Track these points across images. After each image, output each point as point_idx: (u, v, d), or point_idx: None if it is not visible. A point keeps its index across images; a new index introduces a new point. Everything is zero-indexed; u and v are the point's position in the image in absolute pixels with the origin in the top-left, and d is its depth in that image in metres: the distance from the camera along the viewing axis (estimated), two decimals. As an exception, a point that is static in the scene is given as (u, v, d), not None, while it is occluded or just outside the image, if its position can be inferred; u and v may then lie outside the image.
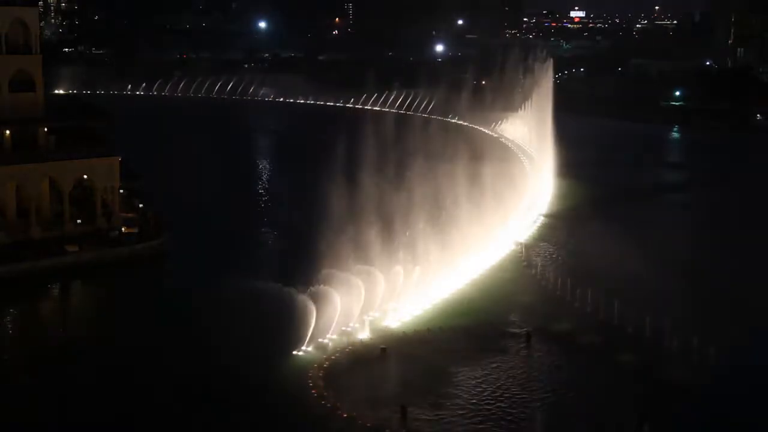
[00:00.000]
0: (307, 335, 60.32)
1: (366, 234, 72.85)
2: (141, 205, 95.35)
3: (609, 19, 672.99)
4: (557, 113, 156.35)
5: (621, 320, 65.45)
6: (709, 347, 59.28)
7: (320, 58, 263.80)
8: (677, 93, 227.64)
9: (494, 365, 58.44)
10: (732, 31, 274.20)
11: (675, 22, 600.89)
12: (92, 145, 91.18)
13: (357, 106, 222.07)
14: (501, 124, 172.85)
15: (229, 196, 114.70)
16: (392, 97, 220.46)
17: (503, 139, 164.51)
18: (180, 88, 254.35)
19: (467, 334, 64.03)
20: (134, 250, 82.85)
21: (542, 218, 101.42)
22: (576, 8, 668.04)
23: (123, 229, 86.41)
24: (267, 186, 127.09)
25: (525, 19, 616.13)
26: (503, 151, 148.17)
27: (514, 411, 51.87)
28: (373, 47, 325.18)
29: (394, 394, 53.32)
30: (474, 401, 52.97)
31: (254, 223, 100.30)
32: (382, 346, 60.57)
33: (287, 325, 61.75)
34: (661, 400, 53.53)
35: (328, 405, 52.04)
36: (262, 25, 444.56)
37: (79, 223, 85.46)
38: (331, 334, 61.76)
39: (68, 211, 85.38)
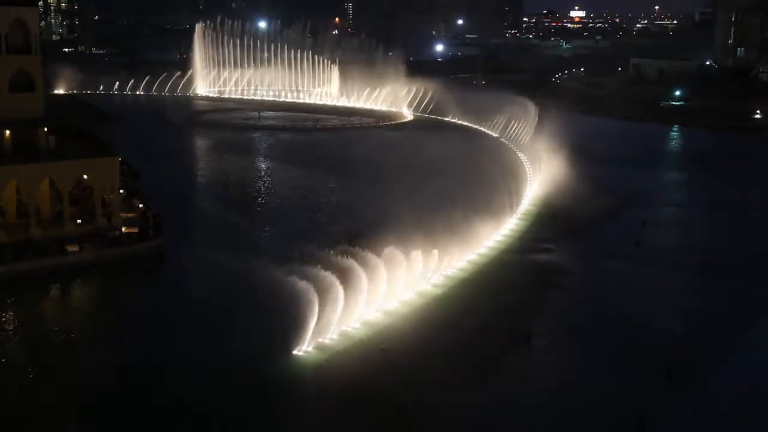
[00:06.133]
0: (307, 334, 60.32)
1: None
2: (141, 205, 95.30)
3: (609, 19, 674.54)
4: (557, 113, 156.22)
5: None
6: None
7: (320, 57, 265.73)
8: (677, 93, 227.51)
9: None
10: (732, 31, 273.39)
11: (675, 22, 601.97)
12: (92, 145, 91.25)
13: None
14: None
15: (227, 192, 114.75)
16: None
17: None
18: (180, 87, 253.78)
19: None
20: (135, 250, 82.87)
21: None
22: (576, 8, 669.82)
23: (123, 229, 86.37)
24: (266, 182, 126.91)
25: (525, 19, 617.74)
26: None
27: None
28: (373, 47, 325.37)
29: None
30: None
31: (254, 218, 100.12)
32: (383, 346, 60.53)
33: (288, 324, 61.87)
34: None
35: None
36: (262, 25, 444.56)
37: (79, 223, 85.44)
38: (332, 334, 61.71)
39: (68, 211, 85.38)
